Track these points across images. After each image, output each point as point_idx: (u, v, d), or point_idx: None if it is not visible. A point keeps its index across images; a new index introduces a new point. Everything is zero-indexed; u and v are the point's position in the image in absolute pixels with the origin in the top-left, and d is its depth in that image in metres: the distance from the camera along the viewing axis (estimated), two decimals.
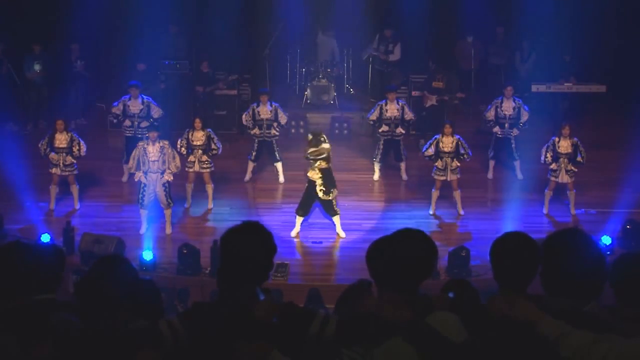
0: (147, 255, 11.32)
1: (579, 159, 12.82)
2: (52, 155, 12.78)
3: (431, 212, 13.19)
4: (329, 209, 12.34)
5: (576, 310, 3.21)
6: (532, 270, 3.33)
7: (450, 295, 3.42)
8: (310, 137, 12.23)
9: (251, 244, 3.32)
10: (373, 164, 14.55)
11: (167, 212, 12.48)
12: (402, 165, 14.50)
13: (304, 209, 12.41)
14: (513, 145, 14.26)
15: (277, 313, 3.23)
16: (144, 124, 13.70)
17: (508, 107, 14.08)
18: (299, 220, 12.45)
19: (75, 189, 13.11)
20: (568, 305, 3.23)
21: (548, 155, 12.90)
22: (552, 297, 3.30)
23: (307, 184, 12.24)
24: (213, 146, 13.07)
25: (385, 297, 3.28)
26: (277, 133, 14.02)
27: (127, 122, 13.89)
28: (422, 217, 12.94)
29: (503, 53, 17.38)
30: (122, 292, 3.40)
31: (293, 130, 15.57)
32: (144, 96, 14.02)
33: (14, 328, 3.39)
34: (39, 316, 3.48)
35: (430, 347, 3.09)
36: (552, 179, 12.97)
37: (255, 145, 14.17)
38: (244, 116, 14.24)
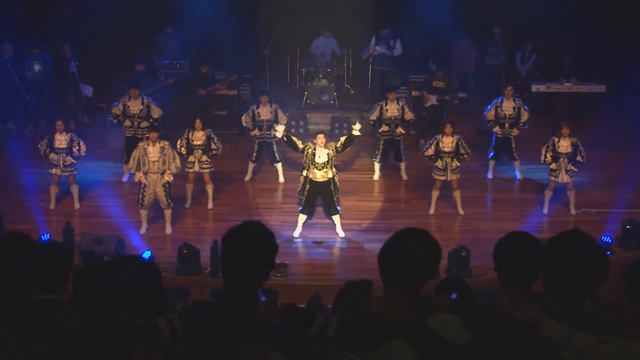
0: (145, 255, 11.31)
1: (578, 158, 12.82)
2: (52, 155, 12.79)
3: (431, 212, 13.19)
4: (331, 208, 12.36)
5: (578, 311, 3.21)
6: (536, 270, 3.32)
7: (453, 296, 3.41)
8: (322, 135, 12.21)
9: (252, 243, 3.31)
10: (373, 164, 14.56)
11: (167, 212, 12.49)
12: (402, 165, 14.50)
13: (309, 208, 12.44)
14: (513, 145, 14.27)
15: (277, 315, 3.21)
16: (144, 124, 13.70)
17: (508, 107, 14.08)
18: (302, 219, 12.46)
19: (75, 189, 13.12)
20: (569, 305, 3.23)
21: (548, 155, 12.90)
22: (553, 297, 3.29)
23: (308, 185, 12.23)
24: (213, 146, 13.07)
25: (389, 298, 3.27)
26: (276, 135, 14.03)
27: (127, 123, 13.89)
28: (422, 217, 12.94)
29: (500, 53, 17.39)
30: (124, 289, 3.40)
31: (293, 130, 15.57)
32: (144, 96, 14.04)
33: (15, 323, 3.39)
34: (41, 314, 3.48)
35: (431, 350, 3.08)
36: (552, 179, 12.98)
37: (256, 146, 14.18)
38: (243, 117, 14.24)
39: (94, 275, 3.46)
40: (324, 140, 12.10)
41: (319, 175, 12.14)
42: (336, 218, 12.47)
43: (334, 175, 12.25)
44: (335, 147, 12.21)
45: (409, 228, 3.39)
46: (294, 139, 12.39)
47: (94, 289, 3.38)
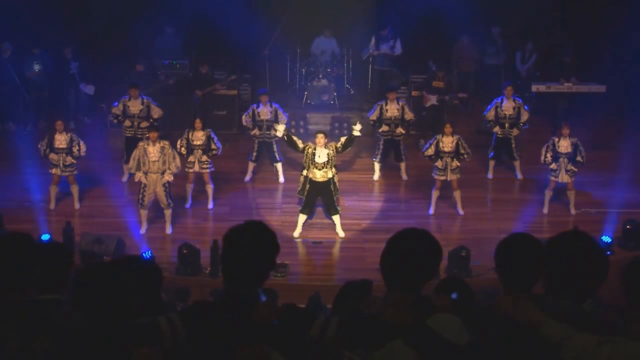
0: (146, 255, 11.32)
1: (578, 158, 12.83)
2: (52, 155, 12.79)
3: (431, 212, 13.19)
4: (331, 208, 12.37)
5: (578, 311, 3.21)
6: (538, 272, 3.31)
7: (453, 296, 3.41)
8: (323, 135, 12.22)
9: (253, 243, 3.30)
10: (373, 164, 14.56)
11: (167, 212, 12.49)
12: (402, 165, 14.51)
13: (309, 208, 12.45)
14: (513, 145, 14.28)
15: (277, 315, 3.21)
16: (144, 124, 13.71)
17: (508, 107, 14.09)
18: (302, 219, 12.46)
19: (75, 189, 13.12)
20: (569, 305, 3.23)
21: (548, 155, 12.91)
22: (554, 297, 3.29)
23: (308, 185, 12.24)
24: (213, 146, 13.07)
25: (389, 298, 3.26)
26: (277, 134, 14.00)
27: (127, 123, 13.90)
28: (422, 217, 12.94)
29: (500, 53, 17.40)
30: (124, 289, 3.40)
31: (293, 130, 15.57)
32: (144, 96, 14.04)
33: (15, 323, 3.39)
34: (41, 314, 3.48)
35: (431, 350, 3.07)
36: (552, 179, 12.98)
37: (256, 146, 14.18)
38: (243, 117, 14.23)
39: (94, 275, 3.46)
40: (323, 140, 12.10)
41: (319, 175, 12.14)
42: (336, 218, 12.48)
43: (333, 176, 12.25)
44: (336, 147, 12.21)
45: (409, 228, 3.38)
46: (295, 138, 12.40)
47: (94, 289, 3.38)
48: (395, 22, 16.83)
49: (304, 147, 12.20)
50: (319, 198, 12.47)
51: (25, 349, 3.30)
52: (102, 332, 3.21)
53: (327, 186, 12.22)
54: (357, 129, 12.45)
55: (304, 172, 12.30)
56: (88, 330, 3.27)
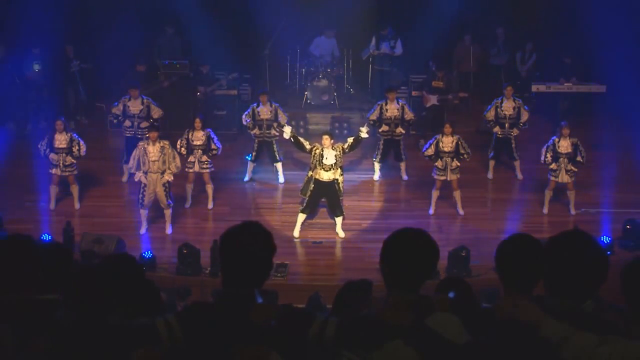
0: (146, 255, 11.33)
1: (578, 158, 12.83)
2: (52, 155, 12.80)
3: (431, 212, 13.20)
4: (336, 209, 12.37)
5: (578, 311, 3.20)
6: (538, 273, 3.31)
7: (451, 295, 3.40)
8: (328, 136, 12.24)
9: (251, 244, 3.29)
10: (373, 164, 14.56)
11: (167, 212, 12.49)
12: (402, 165, 14.51)
13: (310, 208, 12.46)
14: (513, 145, 14.28)
15: (275, 316, 3.20)
16: (144, 124, 13.71)
17: (508, 107, 14.09)
18: (301, 218, 12.46)
19: (75, 189, 13.13)
20: (570, 305, 3.22)
21: (548, 155, 12.91)
22: (554, 297, 3.29)
23: (312, 185, 12.24)
24: (213, 146, 13.07)
25: (389, 299, 3.26)
26: (277, 133, 13.99)
27: (127, 123, 13.91)
28: (422, 217, 12.95)
29: (503, 54, 17.41)
30: (122, 289, 3.40)
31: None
32: (144, 96, 14.04)
33: (14, 323, 3.39)
34: (40, 314, 3.48)
35: (431, 350, 3.07)
36: (552, 179, 12.99)
37: (255, 145, 14.17)
38: (243, 116, 14.23)
39: (80, 277, 3.47)
40: (328, 142, 12.12)
41: (325, 177, 12.16)
42: (339, 219, 12.49)
43: (339, 177, 12.26)
44: (342, 149, 12.24)
45: (405, 228, 3.38)
46: (301, 139, 12.40)
47: (81, 292, 3.40)
48: (395, 22, 16.84)
49: (312, 148, 12.20)
50: (322, 199, 12.48)
51: (24, 349, 3.30)
52: (100, 334, 3.21)
53: (332, 187, 12.23)
54: (364, 131, 12.50)
55: (309, 173, 12.32)
56: (86, 331, 3.27)
